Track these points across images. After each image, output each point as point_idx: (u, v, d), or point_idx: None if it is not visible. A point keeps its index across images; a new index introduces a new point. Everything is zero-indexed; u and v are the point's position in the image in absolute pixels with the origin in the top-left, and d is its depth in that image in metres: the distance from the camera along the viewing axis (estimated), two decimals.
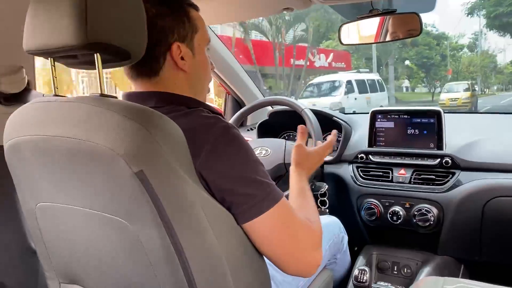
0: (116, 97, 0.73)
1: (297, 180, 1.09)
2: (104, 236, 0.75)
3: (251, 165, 0.80)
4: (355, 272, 1.49)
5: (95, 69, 0.73)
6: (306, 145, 1.22)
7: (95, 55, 0.71)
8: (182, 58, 0.89)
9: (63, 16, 0.68)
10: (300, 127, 1.24)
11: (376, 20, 1.42)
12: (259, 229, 0.80)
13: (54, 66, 0.81)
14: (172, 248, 0.68)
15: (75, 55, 0.76)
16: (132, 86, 0.93)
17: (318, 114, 1.71)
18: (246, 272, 0.82)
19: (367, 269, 1.48)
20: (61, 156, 0.71)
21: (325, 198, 1.68)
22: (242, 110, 1.80)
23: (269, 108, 2.13)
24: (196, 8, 0.94)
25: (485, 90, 33.67)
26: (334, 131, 1.31)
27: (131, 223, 0.69)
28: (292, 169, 1.13)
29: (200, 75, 0.95)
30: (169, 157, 0.67)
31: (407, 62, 28.56)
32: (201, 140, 0.76)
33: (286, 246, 0.82)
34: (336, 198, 1.75)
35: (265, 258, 0.88)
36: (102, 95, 0.73)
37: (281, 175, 1.61)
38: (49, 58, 0.79)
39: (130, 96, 0.89)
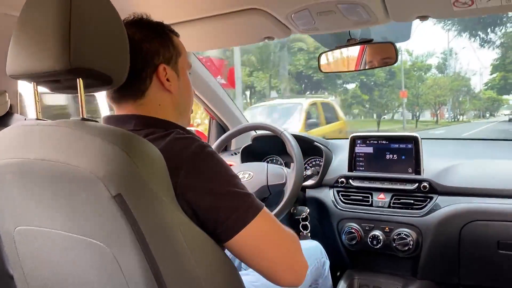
0: (97, 121, 0.75)
1: None
2: (83, 260, 0.75)
3: (229, 180, 0.81)
4: None
5: (78, 93, 0.74)
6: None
7: (77, 80, 0.73)
8: (167, 80, 0.91)
9: (47, 42, 0.70)
10: None
11: (355, 49, 1.47)
12: (247, 241, 0.80)
13: (37, 91, 0.82)
14: (150, 271, 0.68)
15: (58, 80, 0.77)
16: (114, 110, 0.94)
17: (299, 138, 1.74)
18: None
19: None
20: (41, 179, 0.72)
21: (306, 223, 1.70)
22: (224, 135, 1.82)
23: (253, 133, 2.15)
24: (176, 34, 0.98)
25: (458, 117, 31.86)
26: None
27: (110, 246, 0.69)
28: None
29: (185, 96, 0.98)
30: (148, 181, 0.68)
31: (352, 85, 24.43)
32: (177, 161, 0.77)
33: (276, 253, 0.84)
34: (318, 222, 1.77)
35: (244, 281, 0.89)
36: (83, 119, 0.74)
37: (265, 197, 1.62)
38: (32, 83, 0.81)
39: (109, 119, 0.91)
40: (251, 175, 1.64)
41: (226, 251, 0.84)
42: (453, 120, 30.18)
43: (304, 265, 0.88)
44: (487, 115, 32.56)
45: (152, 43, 0.89)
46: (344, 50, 1.48)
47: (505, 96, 31.22)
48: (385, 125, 22.22)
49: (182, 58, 0.96)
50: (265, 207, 0.84)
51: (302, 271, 0.88)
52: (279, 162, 2.06)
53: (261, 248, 0.82)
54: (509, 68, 25.82)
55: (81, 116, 0.75)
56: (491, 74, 29.45)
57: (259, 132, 2.10)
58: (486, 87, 31.22)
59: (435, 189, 1.56)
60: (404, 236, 1.53)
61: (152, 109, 0.90)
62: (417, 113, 26.94)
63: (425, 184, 1.57)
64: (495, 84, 28.80)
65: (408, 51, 26.69)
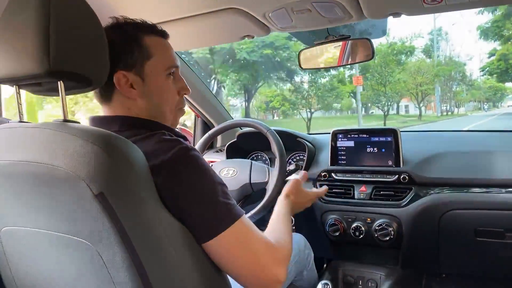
0: (79, 122, 0.76)
1: (281, 206, 1.14)
2: (69, 258, 0.77)
3: (210, 186, 0.82)
4: (319, 287, 1.53)
5: (59, 95, 0.76)
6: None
7: (58, 82, 0.75)
8: (131, 86, 0.90)
9: (27, 46, 0.71)
10: (304, 174, 1.36)
11: (335, 45, 1.50)
12: (217, 249, 0.81)
13: (19, 94, 0.83)
14: (134, 268, 0.70)
15: (39, 83, 0.79)
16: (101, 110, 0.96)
17: (283, 133, 1.76)
18: None
19: (329, 283, 1.52)
20: (25, 180, 0.74)
21: None
22: (209, 132, 1.83)
23: (238, 130, 2.17)
24: (156, 33, 0.95)
25: (453, 109, 28.18)
26: (325, 187, 1.43)
27: (94, 244, 0.71)
28: (281, 197, 1.19)
29: (154, 101, 0.93)
30: (129, 180, 0.70)
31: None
32: (161, 162, 0.78)
33: (245, 263, 0.84)
34: (302, 215, 1.80)
35: (228, 276, 0.91)
36: (65, 120, 0.76)
37: (247, 195, 1.64)
38: (14, 86, 0.82)
39: (94, 120, 0.92)
40: (235, 171, 1.66)
41: None
42: (445, 113, 26.77)
43: (278, 276, 0.86)
44: (486, 106, 28.83)
45: (115, 48, 0.87)
46: (324, 46, 1.51)
47: (508, 84, 27.34)
48: (328, 123, 18.02)
49: (154, 61, 0.92)
50: (243, 217, 0.84)
51: (275, 281, 0.86)
52: (264, 158, 2.09)
53: (229, 256, 0.82)
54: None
55: (63, 118, 0.77)
56: (489, 57, 25.04)
57: (244, 129, 2.12)
58: (483, 72, 26.62)
59: (414, 181, 1.61)
60: (385, 226, 1.58)
61: (124, 113, 0.91)
62: (386, 107, 21.83)
63: (405, 175, 1.61)
64: (494, 69, 24.26)
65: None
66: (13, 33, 0.74)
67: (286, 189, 1.23)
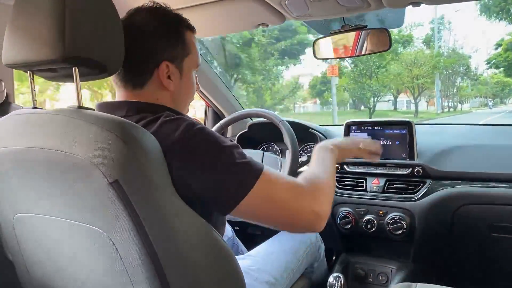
0: (93, 109, 0.76)
1: (324, 152, 1.08)
2: (82, 246, 0.77)
3: (223, 151, 0.81)
4: (330, 279, 1.52)
5: (73, 81, 0.75)
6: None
7: (73, 68, 0.74)
8: (169, 77, 0.91)
9: (42, 31, 0.71)
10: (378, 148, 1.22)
11: (350, 35, 1.48)
12: (249, 208, 0.81)
13: (33, 79, 0.83)
14: (148, 256, 0.70)
15: (53, 69, 0.78)
16: (116, 93, 0.95)
17: (295, 125, 1.75)
18: (220, 278, 0.84)
19: (341, 276, 1.51)
20: (39, 167, 0.73)
21: None
22: (221, 122, 1.82)
23: (249, 120, 2.16)
24: (192, 30, 0.97)
25: (456, 105, 25.76)
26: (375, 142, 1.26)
27: (108, 232, 0.71)
28: (328, 148, 1.11)
29: (183, 95, 0.97)
30: (145, 167, 0.69)
31: None
32: (169, 144, 0.77)
33: (280, 214, 0.84)
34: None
35: (240, 265, 0.90)
36: (79, 107, 0.75)
37: None
38: (28, 72, 0.81)
39: (102, 106, 0.91)
40: None
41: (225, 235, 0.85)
42: (447, 110, 24.78)
43: (315, 216, 0.86)
44: (490, 103, 25.99)
45: (161, 38, 0.89)
46: (339, 36, 1.48)
47: None
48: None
49: (190, 58, 0.95)
50: (265, 170, 0.84)
51: (317, 217, 0.86)
52: (275, 149, 2.08)
53: (266, 210, 0.83)
54: None
55: (77, 104, 0.76)
56: (496, 48, 22.23)
57: (255, 119, 2.11)
58: (489, 65, 23.51)
59: (428, 174, 1.58)
60: (397, 220, 1.56)
61: (149, 100, 0.91)
62: (372, 102, 20.08)
63: (419, 169, 1.59)
64: (501, 61, 21.62)
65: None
66: (27, 18, 0.73)
67: (337, 140, 1.16)
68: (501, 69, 23.17)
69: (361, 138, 1.25)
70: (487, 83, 25.66)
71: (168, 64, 0.91)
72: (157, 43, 0.89)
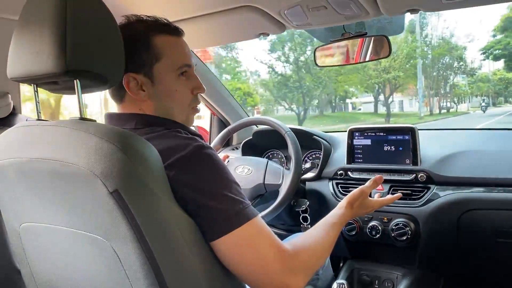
0: (95, 121, 0.78)
1: (336, 215, 1.07)
2: (85, 254, 0.79)
3: (224, 182, 0.81)
4: (334, 286, 1.52)
5: (75, 94, 0.77)
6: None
7: (75, 81, 0.76)
8: (141, 88, 0.90)
9: (44, 45, 0.73)
10: (378, 178, 1.24)
11: (352, 42, 1.49)
12: (226, 248, 0.79)
13: (37, 92, 0.85)
14: (149, 264, 0.71)
15: (56, 81, 0.80)
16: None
17: (299, 132, 1.76)
18: (221, 286, 0.84)
19: (345, 283, 1.51)
20: (42, 177, 0.75)
21: (306, 215, 1.73)
22: (226, 129, 1.84)
23: (255, 128, 2.17)
24: (168, 32, 0.93)
25: (448, 105, 21.91)
26: (398, 195, 1.31)
27: (110, 240, 0.72)
28: (340, 205, 1.12)
29: (164, 102, 0.93)
30: (144, 177, 0.71)
31: None
32: (175, 159, 0.79)
33: (252, 266, 0.81)
34: (318, 214, 1.78)
35: None
36: (81, 118, 0.77)
37: (260, 195, 1.65)
38: (32, 85, 0.84)
39: (111, 116, 0.93)
40: (250, 170, 1.66)
41: None
42: (438, 112, 21.06)
43: (287, 284, 0.81)
44: (483, 103, 21.40)
45: (124, 50, 0.85)
46: (340, 43, 1.49)
47: None
48: None
49: (164, 61, 0.91)
50: (257, 218, 0.82)
51: None
52: (279, 156, 2.09)
53: (240, 257, 0.80)
54: None
55: (79, 116, 0.78)
56: (494, 35, 18.63)
57: (260, 126, 2.12)
58: (485, 55, 19.56)
59: (432, 180, 1.58)
60: (402, 226, 1.55)
61: (136, 111, 0.92)
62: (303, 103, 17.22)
63: (423, 174, 1.58)
64: (500, 50, 18.10)
65: None
66: (31, 33, 0.75)
67: (350, 199, 1.14)
68: (502, 60, 19.31)
69: (381, 202, 1.24)
70: (488, 80, 21.94)
71: (134, 76, 0.89)
72: None
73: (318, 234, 0.97)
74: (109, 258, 0.74)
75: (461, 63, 21.25)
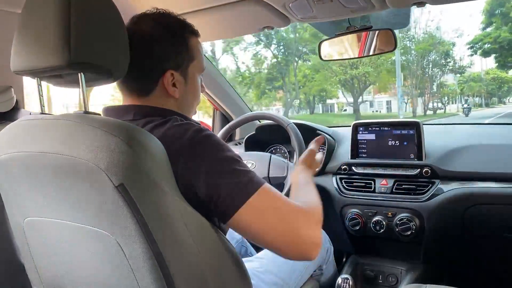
0: (99, 114, 0.77)
1: (303, 177, 1.10)
2: (90, 248, 0.78)
3: (227, 159, 0.82)
4: (339, 281, 1.52)
5: (79, 87, 0.76)
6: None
7: (78, 74, 0.75)
8: (174, 85, 0.92)
9: (48, 38, 0.72)
10: (321, 137, 1.31)
11: (356, 36, 1.48)
12: (246, 218, 0.79)
13: (41, 86, 0.84)
14: (154, 258, 0.71)
15: (60, 75, 0.80)
16: (122, 100, 0.96)
17: (302, 126, 1.75)
18: (228, 281, 0.84)
19: (349, 277, 1.51)
20: (46, 171, 0.74)
21: None
22: (229, 124, 1.83)
23: (257, 122, 2.17)
24: (196, 34, 0.97)
25: (435, 106, 20.30)
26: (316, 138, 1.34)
27: (114, 235, 0.72)
28: (299, 169, 1.16)
29: (189, 101, 0.98)
30: (150, 171, 0.70)
31: None
32: (177, 146, 0.79)
33: (278, 229, 0.81)
34: (322, 209, 1.78)
35: (247, 268, 0.91)
36: (85, 112, 0.76)
37: None
38: (35, 78, 0.83)
39: (109, 110, 0.93)
40: (253, 164, 1.66)
41: (230, 236, 0.85)
42: (423, 113, 19.66)
43: (314, 238, 0.83)
44: (465, 105, 19.26)
45: (165, 46, 0.89)
46: (345, 37, 1.48)
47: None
48: None
49: (195, 63, 0.95)
50: (266, 184, 0.83)
51: (312, 244, 0.83)
52: (282, 151, 2.08)
53: (263, 223, 0.80)
54: None
55: (83, 109, 0.77)
56: (483, 28, 17.30)
57: (263, 121, 2.11)
58: (472, 50, 18.12)
59: (437, 174, 1.57)
60: (406, 221, 1.55)
61: (158, 105, 0.92)
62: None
63: (427, 169, 1.58)
64: (491, 43, 16.56)
65: None
66: (34, 25, 0.75)
67: (304, 159, 1.20)
68: (492, 56, 17.73)
69: (311, 147, 1.28)
70: (481, 79, 20.67)
71: (173, 73, 0.91)
72: (162, 52, 0.89)
73: (307, 192, 1.01)
74: (114, 253, 0.74)
75: (449, 60, 19.97)
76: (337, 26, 1.50)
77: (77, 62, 0.72)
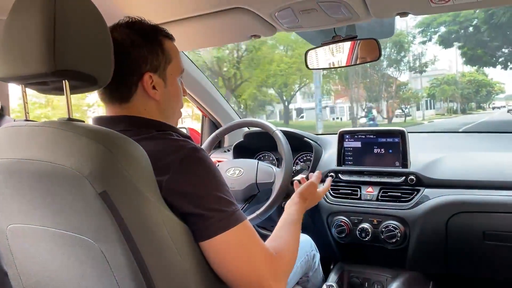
0: (83, 121, 0.77)
1: (292, 212, 1.13)
2: (73, 256, 0.78)
3: (217, 185, 0.82)
4: None
5: (64, 94, 0.77)
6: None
7: (63, 81, 0.75)
8: (153, 88, 0.92)
9: (32, 45, 0.72)
10: (318, 173, 1.38)
11: (343, 45, 1.49)
12: (216, 249, 0.80)
13: (25, 93, 0.84)
14: (136, 265, 0.71)
15: (45, 82, 0.80)
16: (105, 109, 0.96)
17: (289, 134, 1.76)
18: (210, 287, 0.84)
19: (334, 285, 1.51)
20: (30, 178, 0.74)
21: None
22: (215, 133, 1.84)
23: (245, 129, 2.18)
24: (171, 38, 0.98)
25: (388, 113, 16.88)
26: (329, 179, 1.45)
27: (97, 242, 0.72)
28: (294, 200, 1.19)
29: (171, 103, 0.98)
30: (133, 178, 0.70)
31: None
32: (168, 161, 0.79)
33: (242, 269, 0.82)
34: (308, 216, 1.79)
35: None
36: (69, 119, 0.76)
37: (253, 195, 1.65)
38: (20, 85, 0.83)
39: (100, 120, 0.93)
40: (241, 171, 1.66)
41: None
42: (371, 120, 15.37)
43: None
44: (406, 110, 17.27)
45: (141, 50, 0.90)
46: (331, 46, 1.50)
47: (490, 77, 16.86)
48: None
49: (172, 65, 0.96)
50: (246, 221, 0.84)
51: None
52: (271, 158, 2.09)
53: (229, 259, 0.81)
54: None
55: (68, 117, 0.77)
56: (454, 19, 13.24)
57: (251, 128, 2.12)
58: (423, 35, 14.85)
59: (422, 182, 1.59)
60: (391, 228, 1.56)
61: (137, 113, 0.92)
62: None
63: (412, 177, 1.60)
64: (449, 25, 13.18)
65: None
66: (19, 33, 0.75)
67: (301, 192, 1.23)
68: (456, 46, 14.32)
69: (324, 189, 1.37)
70: (455, 82, 18.21)
71: (151, 75, 0.91)
72: (138, 56, 0.90)
73: (287, 236, 1.01)
74: (97, 260, 0.74)
75: (403, 54, 16.01)
76: (323, 35, 1.52)
77: (62, 69, 0.72)
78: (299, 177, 1.47)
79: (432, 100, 19.50)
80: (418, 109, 19.37)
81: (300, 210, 1.15)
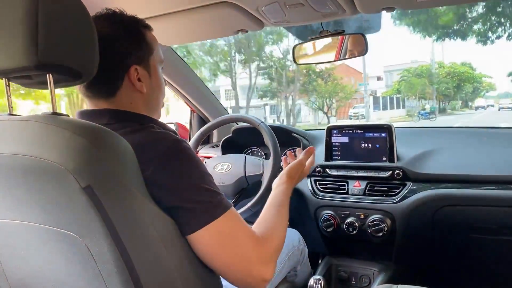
0: (68, 115, 0.76)
1: (281, 192, 1.12)
2: (58, 251, 0.77)
3: (201, 176, 0.82)
4: (311, 282, 1.53)
5: (48, 88, 0.76)
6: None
7: (47, 75, 0.74)
8: (139, 80, 0.92)
9: (15, 38, 0.71)
10: (311, 148, 1.34)
11: (330, 40, 1.50)
12: (204, 240, 0.80)
13: (9, 86, 0.83)
14: (122, 260, 0.70)
15: (29, 76, 0.79)
16: (87, 104, 0.95)
17: (277, 129, 1.76)
18: (197, 283, 0.84)
19: (321, 278, 1.52)
20: (16, 173, 0.73)
21: None
22: (203, 128, 1.84)
23: (234, 125, 2.17)
24: (150, 28, 0.97)
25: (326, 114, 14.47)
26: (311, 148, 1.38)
27: (83, 237, 0.71)
28: (282, 179, 1.17)
29: (156, 94, 0.98)
30: (117, 173, 0.70)
31: None
32: (151, 154, 0.79)
33: (231, 257, 0.83)
34: (297, 211, 1.80)
35: None
36: (54, 113, 0.75)
37: (243, 188, 1.65)
38: (4, 79, 0.82)
39: (83, 114, 0.92)
40: (229, 166, 1.67)
41: None
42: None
43: (264, 275, 0.85)
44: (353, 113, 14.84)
45: (124, 43, 0.89)
46: (318, 41, 1.50)
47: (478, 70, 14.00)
48: None
49: (154, 55, 0.96)
50: (232, 209, 0.84)
51: (260, 280, 0.85)
52: (259, 154, 2.09)
53: (219, 248, 0.81)
54: None
55: (52, 111, 0.76)
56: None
57: (240, 124, 2.12)
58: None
59: (408, 176, 1.61)
60: (378, 222, 1.58)
61: (123, 107, 0.92)
62: None
63: (399, 171, 1.61)
64: None
65: None
66: (1, 25, 0.73)
67: (289, 170, 1.21)
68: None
69: (301, 157, 1.31)
70: (430, 74, 15.04)
71: (137, 67, 0.91)
72: (123, 48, 0.89)
73: (275, 217, 1.01)
74: (82, 255, 0.73)
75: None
76: (310, 30, 1.52)
77: (45, 63, 0.71)
78: (287, 152, 1.45)
79: (398, 98, 16.21)
80: (385, 108, 16.18)
81: (288, 190, 1.14)
